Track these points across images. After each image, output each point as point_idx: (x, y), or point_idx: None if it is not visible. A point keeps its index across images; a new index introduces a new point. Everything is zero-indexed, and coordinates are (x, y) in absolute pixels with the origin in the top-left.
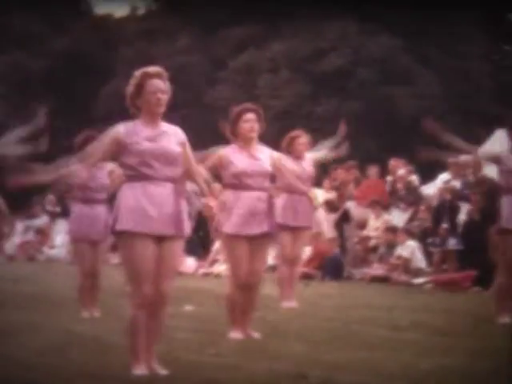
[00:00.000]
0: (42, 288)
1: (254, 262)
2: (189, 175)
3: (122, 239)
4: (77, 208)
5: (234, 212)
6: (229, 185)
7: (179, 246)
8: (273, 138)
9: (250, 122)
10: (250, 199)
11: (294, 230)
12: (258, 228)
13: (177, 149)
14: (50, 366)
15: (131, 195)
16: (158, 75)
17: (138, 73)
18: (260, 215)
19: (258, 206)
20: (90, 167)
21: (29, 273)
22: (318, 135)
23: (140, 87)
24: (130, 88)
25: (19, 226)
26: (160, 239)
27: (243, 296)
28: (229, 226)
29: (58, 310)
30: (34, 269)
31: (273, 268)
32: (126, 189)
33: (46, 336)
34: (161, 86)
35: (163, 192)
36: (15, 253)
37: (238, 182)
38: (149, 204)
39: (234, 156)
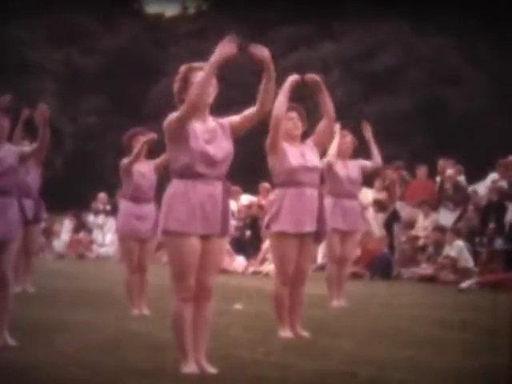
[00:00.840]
0: (92, 286)
1: (301, 260)
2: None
3: (169, 237)
4: (125, 206)
5: (284, 209)
6: (279, 182)
7: (224, 243)
8: None
9: (293, 119)
10: (301, 196)
11: (343, 233)
12: (309, 226)
13: (228, 146)
14: (101, 364)
15: (180, 194)
16: (202, 68)
17: (182, 68)
18: (311, 213)
19: (309, 203)
20: None
21: (79, 270)
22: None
23: (185, 80)
24: (176, 84)
25: (68, 223)
26: (205, 237)
27: (290, 294)
28: (278, 223)
29: (108, 308)
30: (84, 266)
31: (322, 267)
32: (174, 186)
33: (97, 333)
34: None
35: (212, 191)
36: (65, 251)
37: (290, 179)
38: (198, 203)
39: (288, 150)
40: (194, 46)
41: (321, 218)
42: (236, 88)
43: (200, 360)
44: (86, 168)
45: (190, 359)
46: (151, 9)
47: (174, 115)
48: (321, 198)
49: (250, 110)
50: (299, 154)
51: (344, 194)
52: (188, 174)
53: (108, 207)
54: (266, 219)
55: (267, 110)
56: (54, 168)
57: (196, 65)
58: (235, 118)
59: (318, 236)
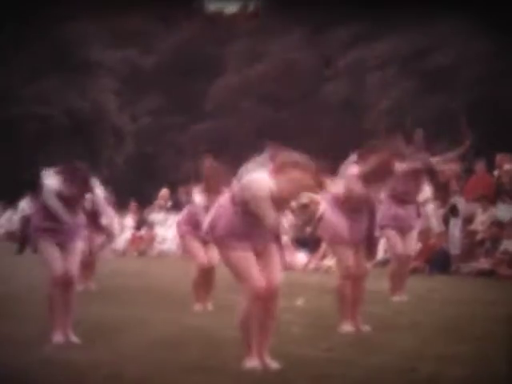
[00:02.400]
0: (154, 283)
1: (360, 255)
2: None
3: (222, 244)
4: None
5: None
6: None
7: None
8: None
9: None
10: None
11: (401, 230)
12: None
13: None
14: (162, 360)
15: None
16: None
17: None
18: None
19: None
20: None
21: (141, 268)
22: (426, 131)
23: None
24: None
25: (130, 221)
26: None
27: (351, 288)
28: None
29: (169, 305)
30: (146, 264)
31: (383, 262)
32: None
33: (159, 330)
34: None
35: None
36: (126, 248)
37: None
38: None
39: None
40: (253, 44)
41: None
42: (294, 87)
43: (263, 356)
44: (146, 166)
45: (253, 355)
46: (211, 7)
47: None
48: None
49: None
50: None
51: (400, 192)
52: None
53: (169, 204)
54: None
55: None
56: (115, 166)
57: None
58: None
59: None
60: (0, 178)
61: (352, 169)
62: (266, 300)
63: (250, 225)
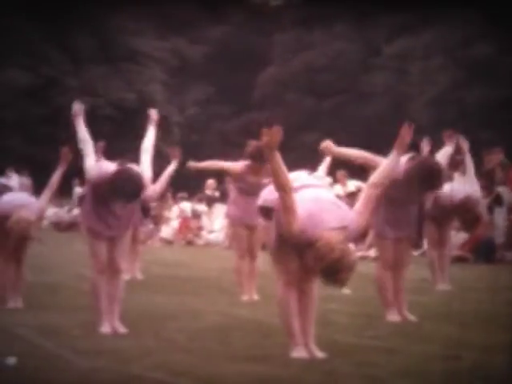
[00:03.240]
0: (201, 272)
1: (403, 246)
2: None
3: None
4: (234, 194)
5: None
6: None
7: None
8: (428, 123)
9: None
10: None
11: (436, 218)
12: None
13: None
14: (208, 350)
15: None
16: None
17: None
18: None
19: None
20: None
21: (188, 257)
22: (470, 121)
23: None
24: None
25: (176, 210)
26: None
27: (393, 278)
28: None
29: (217, 294)
30: (193, 253)
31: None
32: None
33: (206, 320)
34: None
35: None
36: (173, 237)
37: None
38: None
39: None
40: (299, 34)
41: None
42: (340, 76)
43: (309, 345)
44: (193, 156)
45: (299, 344)
46: None
47: None
48: None
49: None
50: None
51: None
52: None
53: (217, 193)
54: None
55: None
56: (162, 156)
57: None
58: None
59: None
60: (45, 168)
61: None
62: (302, 286)
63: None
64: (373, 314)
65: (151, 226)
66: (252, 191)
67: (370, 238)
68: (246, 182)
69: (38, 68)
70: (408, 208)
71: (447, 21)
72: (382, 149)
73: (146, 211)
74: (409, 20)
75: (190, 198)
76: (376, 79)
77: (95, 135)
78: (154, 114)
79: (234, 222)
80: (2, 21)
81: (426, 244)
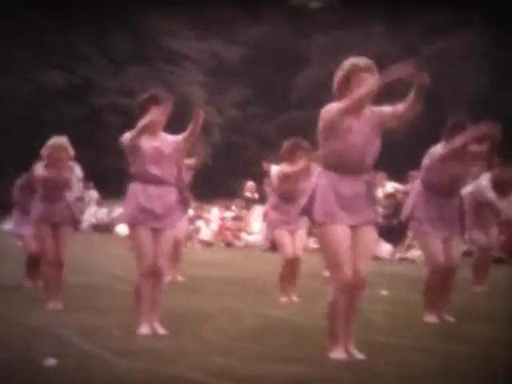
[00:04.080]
0: (240, 274)
1: (450, 247)
2: None
3: (320, 228)
4: (274, 198)
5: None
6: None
7: (373, 230)
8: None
9: None
10: None
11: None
12: None
13: (377, 141)
14: (247, 350)
15: (326, 185)
16: (366, 69)
17: (346, 64)
18: None
19: None
20: None
21: (227, 259)
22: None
23: (348, 78)
24: (338, 78)
25: (217, 212)
26: (354, 225)
27: (441, 280)
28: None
29: (255, 296)
30: (233, 255)
31: (467, 253)
32: (320, 179)
33: (244, 321)
34: (368, 80)
35: (356, 183)
36: (213, 239)
37: None
38: (345, 194)
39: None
40: (337, 36)
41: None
42: None
43: (348, 346)
44: (232, 157)
45: (339, 345)
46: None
47: (334, 106)
48: None
49: (400, 108)
50: None
51: None
52: (337, 166)
53: (256, 195)
54: (407, 210)
55: (413, 114)
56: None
57: (360, 63)
58: (387, 112)
59: None
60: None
61: (437, 149)
62: (352, 290)
63: None
64: (411, 315)
65: (191, 227)
66: (292, 196)
67: (409, 239)
68: (286, 186)
69: (76, 69)
70: (452, 203)
71: (488, 20)
72: (417, 148)
73: (184, 198)
74: (446, 21)
75: (229, 199)
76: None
77: None
78: (199, 113)
79: (274, 226)
80: (40, 22)
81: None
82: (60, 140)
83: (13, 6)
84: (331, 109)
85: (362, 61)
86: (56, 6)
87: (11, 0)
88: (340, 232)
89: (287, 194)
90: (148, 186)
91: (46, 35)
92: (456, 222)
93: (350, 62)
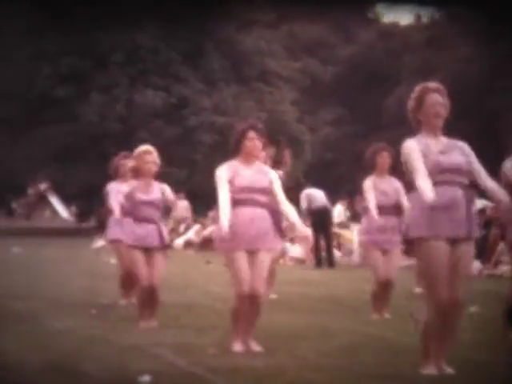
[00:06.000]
0: (330, 291)
1: None
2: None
3: (418, 245)
4: (369, 216)
5: None
6: None
7: (471, 247)
8: None
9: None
10: None
11: None
12: None
13: (463, 160)
14: (338, 367)
15: (422, 201)
16: (437, 90)
17: (418, 87)
18: None
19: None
20: None
21: (318, 276)
22: None
23: (420, 101)
24: (411, 102)
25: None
26: (453, 242)
27: None
28: None
29: (347, 313)
30: (324, 272)
31: None
32: (417, 195)
33: (336, 338)
34: (439, 100)
35: (455, 195)
36: (305, 256)
37: None
38: (441, 208)
39: None
40: (427, 56)
41: None
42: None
43: (440, 362)
44: (324, 176)
45: (430, 362)
46: (387, 18)
47: (409, 142)
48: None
49: (490, 185)
50: None
51: None
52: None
53: (348, 214)
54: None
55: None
56: (295, 176)
57: (430, 85)
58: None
59: None
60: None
61: None
62: (449, 312)
63: None
64: (500, 331)
65: (284, 244)
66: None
67: (497, 255)
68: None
69: (171, 88)
70: None
71: None
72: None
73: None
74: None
75: None
76: (501, 101)
77: (226, 155)
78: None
79: (369, 245)
80: (139, 42)
81: None
82: (146, 146)
83: (109, 24)
84: (406, 150)
85: (431, 84)
86: (154, 26)
87: (111, 21)
88: (438, 249)
89: (382, 209)
90: (242, 209)
91: (145, 56)
92: None
93: (421, 85)
